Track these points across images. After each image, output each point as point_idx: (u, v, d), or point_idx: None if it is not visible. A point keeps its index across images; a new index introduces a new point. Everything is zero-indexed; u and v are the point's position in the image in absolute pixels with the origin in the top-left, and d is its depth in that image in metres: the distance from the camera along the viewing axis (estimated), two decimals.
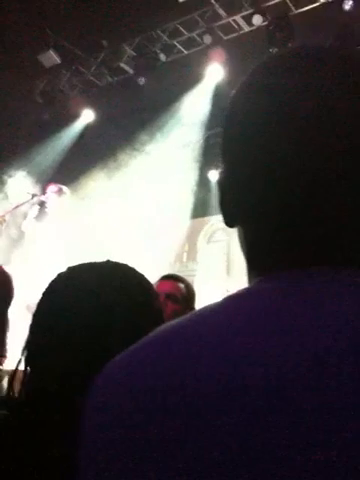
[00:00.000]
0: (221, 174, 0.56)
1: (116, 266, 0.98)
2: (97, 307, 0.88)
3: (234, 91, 0.56)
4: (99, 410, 0.45)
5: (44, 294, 0.95)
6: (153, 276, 2.49)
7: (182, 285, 2.50)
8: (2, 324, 0.97)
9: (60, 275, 0.96)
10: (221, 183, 0.56)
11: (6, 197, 6.66)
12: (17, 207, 5.91)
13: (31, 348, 0.92)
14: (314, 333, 0.40)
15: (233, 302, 0.47)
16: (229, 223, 0.56)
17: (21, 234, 6.83)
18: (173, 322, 0.47)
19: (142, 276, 0.98)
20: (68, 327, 0.88)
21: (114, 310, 0.88)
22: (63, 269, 0.97)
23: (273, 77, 0.52)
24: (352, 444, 0.36)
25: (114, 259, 1.00)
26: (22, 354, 0.92)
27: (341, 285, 0.44)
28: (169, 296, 2.40)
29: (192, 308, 2.46)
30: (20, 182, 6.92)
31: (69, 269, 0.97)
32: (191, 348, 0.42)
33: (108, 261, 0.98)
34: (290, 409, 0.37)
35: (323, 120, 0.48)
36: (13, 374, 0.95)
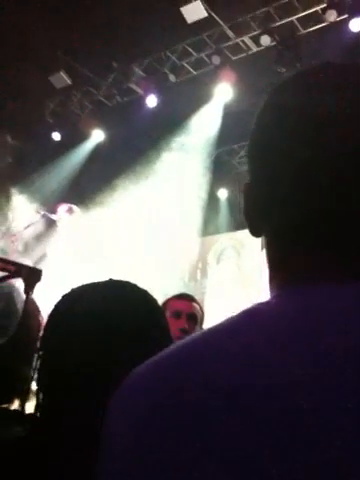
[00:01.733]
0: (248, 186, 0.58)
1: (119, 284, 0.98)
2: (102, 327, 0.89)
3: (258, 111, 0.59)
4: (120, 420, 0.46)
5: (50, 316, 0.95)
6: (167, 295, 2.51)
7: (197, 305, 2.53)
8: (31, 354, 0.99)
9: (64, 297, 0.97)
10: (248, 195, 0.58)
11: (15, 217, 6.71)
12: (28, 227, 5.97)
13: (40, 369, 0.93)
14: (320, 344, 0.41)
15: (251, 318, 0.48)
16: (254, 233, 0.58)
17: (25, 253, 6.86)
18: (194, 336, 0.48)
19: (146, 292, 0.99)
20: (74, 348, 0.88)
21: (119, 328, 0.89)
22: (67, 291, 0.98)
23: (292, 95, 0.55)
24: (353, 444, 0.36)
25: (117, 277, 1.00)
26: (33, 374, 0.92)
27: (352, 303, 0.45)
28: (191, 317, 2.42)
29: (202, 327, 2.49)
30: (30, 202, 6.97)
31: (73, 290, 0.97)
32: (210, 365, 0.43)
33: (111, 280, 0.99)
34: (290, 410, 0.38)
35: (336, 132, 0.49)
36: (25, 393, 0.95)
